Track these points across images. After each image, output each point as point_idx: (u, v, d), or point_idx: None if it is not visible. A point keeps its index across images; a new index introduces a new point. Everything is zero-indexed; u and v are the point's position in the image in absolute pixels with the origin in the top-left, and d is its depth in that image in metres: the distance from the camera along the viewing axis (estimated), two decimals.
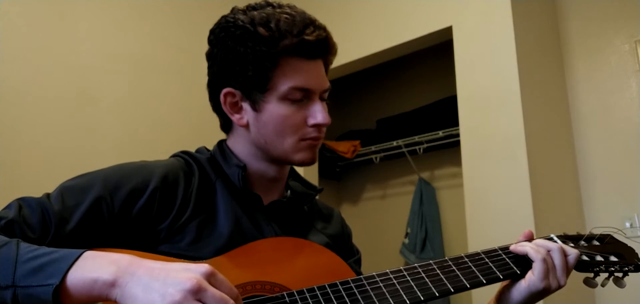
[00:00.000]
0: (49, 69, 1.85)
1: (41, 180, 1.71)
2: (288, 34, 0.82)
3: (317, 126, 0.87)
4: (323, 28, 0.87)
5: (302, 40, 0.83)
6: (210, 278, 0.60)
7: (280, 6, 0.87)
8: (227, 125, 0.94)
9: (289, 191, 0.98)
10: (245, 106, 0.88)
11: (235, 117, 0.89)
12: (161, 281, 0.58)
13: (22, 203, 0.73)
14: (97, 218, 0.75)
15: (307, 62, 0.85)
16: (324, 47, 0.87)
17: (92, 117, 1.95)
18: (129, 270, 0.60)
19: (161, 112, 2.17)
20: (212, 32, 0.90)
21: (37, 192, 0.76)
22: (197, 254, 0.78)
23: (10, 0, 1.77)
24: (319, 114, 0.86)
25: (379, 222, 3.13)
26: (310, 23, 0.85)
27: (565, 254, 0.85)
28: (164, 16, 2.27)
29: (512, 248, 0.87)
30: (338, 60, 2.39)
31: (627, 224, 1.98)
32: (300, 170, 2.39)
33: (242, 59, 0.84)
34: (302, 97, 0.85)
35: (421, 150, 2.81)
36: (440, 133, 2.67)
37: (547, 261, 0.83)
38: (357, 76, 2.76)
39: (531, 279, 0.83)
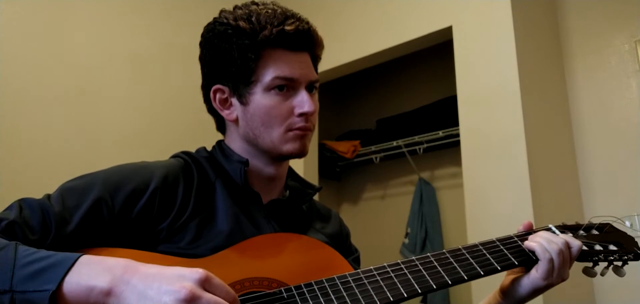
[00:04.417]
0: (49, 69, 1.85)
1: (41, 180, 1.71)
2: (268, 25, 0.85)
3: (303, 115, 0.88)
4: (305, 21, 0.90)
5: (282, 30, 0.85)
6: (204, 283, 0.60)
7: (264, 4, 0.90)
8: (221, 125, 0.97)
9: (287, 191, 0.99)
10: (234, 101, 0.90)
11: (225, 113, 0.91)
12: (155, 290, 0.58)
13: (23, 204, 0.73)
14: (97, 219, 0.75)
15: (290, 53, 0.88)
16: (306, 38, 0.89)
17: (92, 117, 1.95)
18: (124, 278, 0.60)
19: (161, 112, 2.18)
20: (202, 35, 0.93)
21: (37, 193, 0.76)
22: (196, 252, 0.79)
23: (10, 0, 1.78)
24: (305, 103, 0.87)
25: (379, 222, 3.13)
26: (292, 16, 0.88)
27: (568, 247, 0.85)
28: (164, 15, 2.27)
29: (526, 244, 0.86)
30: (338, 60, 2.43)
31: (627, 224, 1.97)
32: (299, 169, 2.40)
33: (227, 54, 0.87)
34: (287, 87, 0.87)
35: (421, 150, 2.81)
36: (440, 133, 2.67)
37: (554, 261, 0.83)
38: (357, 75, 2.77)
39: (534, 276, 0.84)
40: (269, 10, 0.87)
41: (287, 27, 0.86)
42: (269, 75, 0.86)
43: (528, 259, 0.85)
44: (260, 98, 0.87)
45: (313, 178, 2.60)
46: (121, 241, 0.77)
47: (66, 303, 0.59)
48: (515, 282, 0.87)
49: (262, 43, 0.85)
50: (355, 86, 3.36)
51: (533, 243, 0.85)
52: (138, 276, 0.60)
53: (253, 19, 0.86)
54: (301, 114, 0.87)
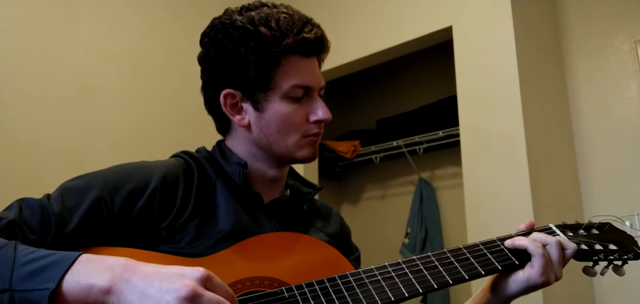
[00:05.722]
0: (49, 69, 1.85)
1: (41, 180, 1.71)
2: (289, 32, 0.84)
3: (318, 122, 0.89)
4: (319, 26, 0.89)
5: (303, 38, 0.84)
6: (205, 282, 0.59)
7: (275, 6, 0.88)
8: (225, 127, 0.94)
9: (288, 190, 0.99)
10: (246, 106, 0.88)
11: (236, 119, 0.89)
12: (156, 288, 0.58)
13: (23, 204, 0.73)
14: (97, 219, 0.75)
15: (306, 60, 0.87)
16: (321, 45, 0.89)
17: (92, 117, 1.95)
18: (125, 277, 0.60)
19: (161, 112, 2.18)
20: (206, 34, 0.90)
21: (37, 193, 0.76)
22: (196, 252, 0.79)
23: (10, 0, 1.78)
24: (320, 110, 0.88)
25: (379, 222, 3.13)
26: (308, 22, 0.87)
27: (563, 248, 0.85)
28: (164, 16, 2.27)
29: (508, 242, 0.86)
30: (338, 60, 2.43)
31: (627, 224, 1.97)
32: (299, 169, 2.40)
33: (243, 59, 0.84)
34: (303, 95, 0.87)
35: (421, 150, 2.81)
36: (440, 133, 2.67)
37: (546, 256, 0.83)
38: (357, 75, 2.76)
39: (530, 272, 0.83)
40: (286, 15, 0.85)
41: (307, 35, 0.85)
42: (287, 83, 0.85)
43: (526, 258, 0.85)
44: (276, 106, 0.86)
45: (313, 178, 2.59)
46: (121, 240, 0.76)
47: (66, 301, 0.59)
48: (508, 278, 0.86)
49: (283, 51, 0.84)
50: (355, 86, 3.36)
51: (524, 241, 0.85)
52: (138, 274, 0.60)
53: (273, 24, 0.83)
54: (316, 121, 0.88)
